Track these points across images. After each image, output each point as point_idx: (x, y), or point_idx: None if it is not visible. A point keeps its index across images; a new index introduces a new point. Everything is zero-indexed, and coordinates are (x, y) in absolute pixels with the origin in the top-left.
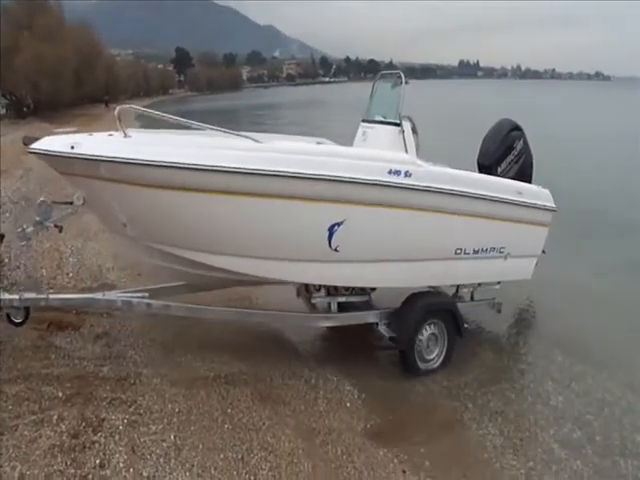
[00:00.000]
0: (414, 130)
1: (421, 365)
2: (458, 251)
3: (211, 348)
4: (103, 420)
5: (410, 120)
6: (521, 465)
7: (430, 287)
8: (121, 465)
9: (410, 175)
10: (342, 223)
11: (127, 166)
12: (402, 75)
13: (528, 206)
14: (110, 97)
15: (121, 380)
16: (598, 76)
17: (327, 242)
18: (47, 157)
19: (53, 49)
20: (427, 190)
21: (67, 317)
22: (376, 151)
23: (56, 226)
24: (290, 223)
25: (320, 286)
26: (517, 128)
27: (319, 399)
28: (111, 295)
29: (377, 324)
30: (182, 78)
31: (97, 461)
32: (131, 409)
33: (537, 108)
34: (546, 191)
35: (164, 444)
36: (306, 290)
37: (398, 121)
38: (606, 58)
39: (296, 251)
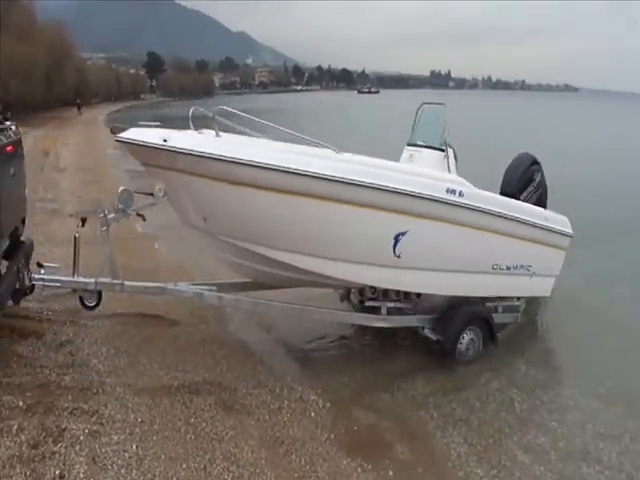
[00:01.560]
0: (455, 156)
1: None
2: (495, 266)
3: (176, 357)
4: (64, 430)
5: (451, 147)
6: (484, 473)
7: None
8: (81, 476)
9: (463, 195)
10: (406, 233)
11: (222, 163)
12: (445, 105)
13: (553, 231)
14: (82, 101)
15: (84, 389)
16: (567, 88)
17: (392, 249)
18: (136, 147)
19: (24, 49)
20: (477, 210)
21: (30, 325)
22: (434, 171)
23: (139, 215)
24: (362, 229)
25: (375, 290)
26: (536, 162)
27: (283, 409)
28: (182, 286)
29: (423, 328)
30: (154, 83)
31: (57, 472)
32: (93, 419)
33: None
34: (565, 218)
35: (126, 454)
36: (360, 294)
37: (443, 147)
38: (574, 71)
39: (365, 255)
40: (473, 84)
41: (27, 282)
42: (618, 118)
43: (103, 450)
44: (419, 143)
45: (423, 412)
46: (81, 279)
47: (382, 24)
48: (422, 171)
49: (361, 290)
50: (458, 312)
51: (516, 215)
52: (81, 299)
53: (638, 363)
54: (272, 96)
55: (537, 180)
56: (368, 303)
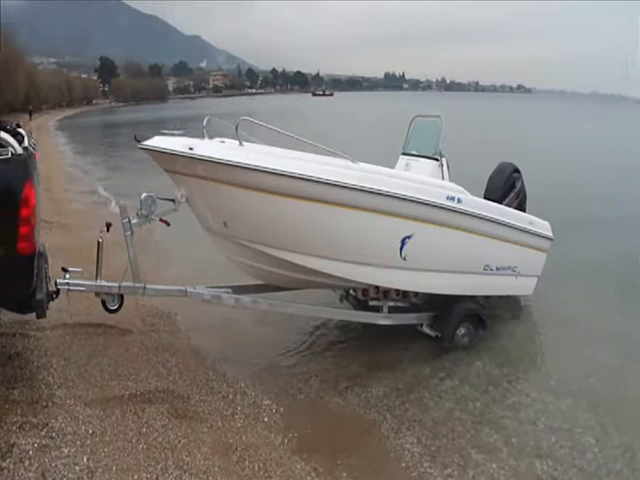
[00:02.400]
0: (447, 165)
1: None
2: (486, 267)
3: (127, 366)
4: (13, 445)
5: (444, 156)
6: (438, 473)
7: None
8: None
9: (461, 201)
10: (411, 237)
11: (249, 171)
12: (442, 117)
13: (536, 234)
14: (32, 107)
15: (33, 403)
16: (520, 89)
17: (399, 252)
18: (160, 154)
19: None
20: (472, 215)
21: None
22: (434, 179)
23: (162, 220)
24: (375, 233)
25: (377, 290)
26: (517, 170)
27: (236, 415)
28: (201, 289)
29: (421, 325)
30: (107, 88)
31: None
32: (43, 433)
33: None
34: (547, 223)
35: (76, 468)
36: (363, 294)
37: (438, 157)
38: (527, 71)
39: (375, 257)
40: (427, 85)
41: (53, 287)
42: (572, 117)
43: (53, 464)
44: (413, 152)
45: (377, 414)
46: (104, 283)
47: (337, 26)
48: (425, 179)
49: (364, 290)
50: (454, 310)
51: (506, 220)
52: (103, 303)
53: (588, 357)
54: (225, 100)
55: (518, 187)
56: (371, 303)
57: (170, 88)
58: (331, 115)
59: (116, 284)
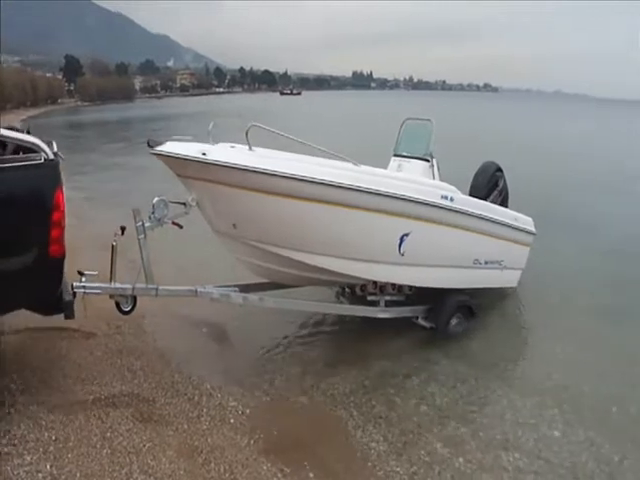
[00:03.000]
0: (437, 166)
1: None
2: (475, 262)
3: (91, 370)
4: None
5: (434, 157)
6: (404, 471)
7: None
8: None
9: (453, 200)
10: (409, 234)
11: (259, 175)
12: (432, 120)
13: (520, 230)
14: None
15: None
16: (486, 87)
17: (397, 248)
18: (173, 160)
19: None
20: (464, 213)
21: None
22: (429, 179)
23: (174, 223)
24: (377, 231)
25: (375, 285)
26: (499, 169)
27: (202, 417)
28: (210, 288)
29: (417, 317)
30: (72, 87)
31: None
32: (4, 440)
33: None
34: (530, 219)
35: (40, 475)
36: (361, 290)
37: (429, 158)
38: (493, 70)
39: (376, 254)
40: (394, 84)
41: (70, 289)
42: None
43: (15, 472)
44: (404, 154)
45: (343, 411)
46: (119, 285)
47: (305, 26)
48: (421, 180)
49: (362, 286)
50: (447, 303)
51: (494, 217)
52: (117, 304)
53: (558, 354)
54: (192, 99)
55: (501, 185)
56: (369, 297)
57: (137, 87)
58: (300, 115)
59: (130, 286)
